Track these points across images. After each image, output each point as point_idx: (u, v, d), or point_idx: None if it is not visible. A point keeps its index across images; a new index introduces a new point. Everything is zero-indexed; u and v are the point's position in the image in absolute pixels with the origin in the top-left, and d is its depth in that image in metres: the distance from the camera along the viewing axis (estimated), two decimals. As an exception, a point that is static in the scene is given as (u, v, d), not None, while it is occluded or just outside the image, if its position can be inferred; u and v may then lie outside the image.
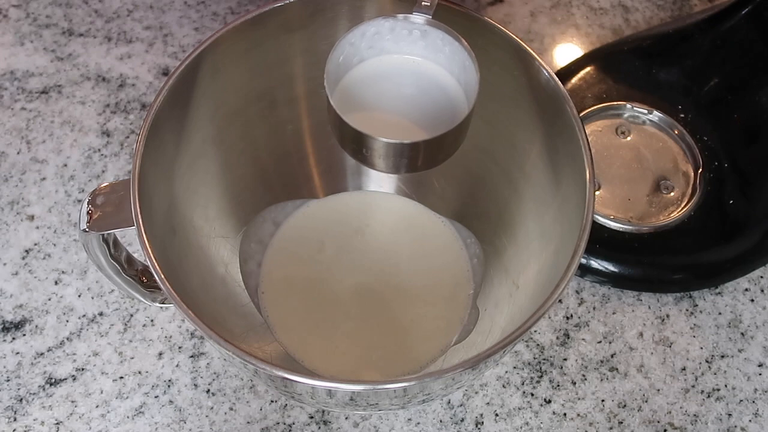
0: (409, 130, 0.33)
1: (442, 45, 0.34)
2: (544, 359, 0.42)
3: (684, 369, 0.42)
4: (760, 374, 0.42)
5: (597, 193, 0.45)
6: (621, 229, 0.44)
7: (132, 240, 0.44)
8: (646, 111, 0.48)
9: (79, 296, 0.43)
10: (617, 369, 0.42)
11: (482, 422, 0.40)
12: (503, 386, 0.41)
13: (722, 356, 0.43)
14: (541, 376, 0.42)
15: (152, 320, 0.43)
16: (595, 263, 0.43)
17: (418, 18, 0.33)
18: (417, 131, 0.33)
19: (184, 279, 0.33)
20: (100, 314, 0.43)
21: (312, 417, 0.40)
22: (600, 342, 0.43)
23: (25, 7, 0.54)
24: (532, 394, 0.41)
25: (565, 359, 0.42)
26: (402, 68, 0.35)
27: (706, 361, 0.43)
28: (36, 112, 0.50)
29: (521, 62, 0.35)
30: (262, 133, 0.41)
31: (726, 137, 0.47)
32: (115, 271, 0.35)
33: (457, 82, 0.34)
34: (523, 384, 0.42)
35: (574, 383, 0.42)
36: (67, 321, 0.43)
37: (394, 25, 0.34)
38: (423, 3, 0.33)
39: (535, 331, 0.43)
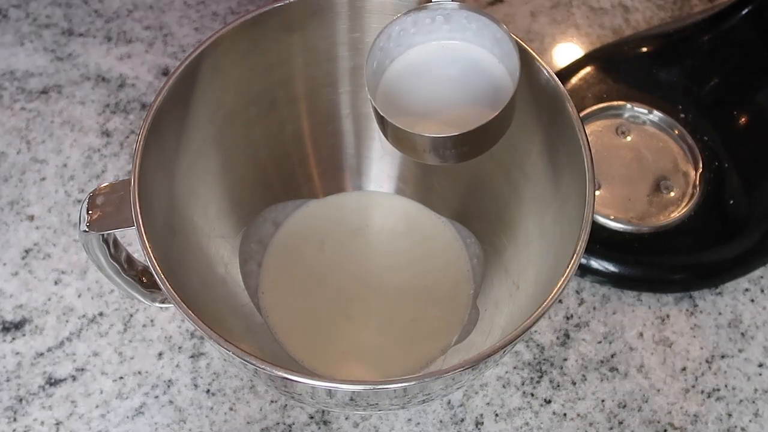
0: (453, 118, 0.33)
1: (468, 23, 0.34)
2: (544, 359, 0.42)
3: (684, 369, 0.42)
4: (760, 374, 0.42)
5: (597, 193, 0.45)
6: (621, 229, 0.44)
7: (132, 240, 0.44)
8: (646, 111, 0.48)
9: (79, 296, 0.43)
10: (617, 369, 0.42)
11: (482, 422, 0.40)
12: (503, 386, 0.41)
13: (722, 356, 0.43)
14: (541, 376, 0.42)
15: (152, 320, 0.43)
16: (595, 263, 0.43)
17: (440, 3, 0.33)
18: (461, 119, 0.33)
19: (184, 279, 0.33)
20: (100, 314, 0.43)
21: (312, 417, 0.40)
22: (600, 342, 0.43)
23: (25, 7, 0.54)
24: (532, 394, 0.41)
25: (565, 359, 0.42)
26: (434, 55, 0.35)
27: (707, 361, 0.43)
28: (36, 112, 0.50)
29: (521, 62, 0.34)
30: (262, 133, 0.41)
31: (726, 137, 0.47)
32: (115, 271, 0.35)
33: (492, 54, 0.34)
34: (523, 384, 0.41)
35: (574, 383, 0.42)
36: (67, 321, 0.43)
37: (416, 18, 0.33)
38: None
39: (535, 331, 0.43)
